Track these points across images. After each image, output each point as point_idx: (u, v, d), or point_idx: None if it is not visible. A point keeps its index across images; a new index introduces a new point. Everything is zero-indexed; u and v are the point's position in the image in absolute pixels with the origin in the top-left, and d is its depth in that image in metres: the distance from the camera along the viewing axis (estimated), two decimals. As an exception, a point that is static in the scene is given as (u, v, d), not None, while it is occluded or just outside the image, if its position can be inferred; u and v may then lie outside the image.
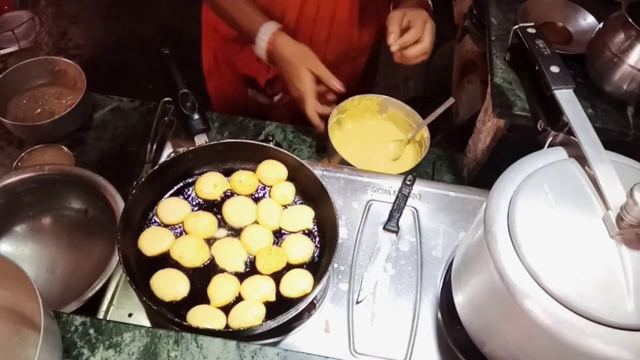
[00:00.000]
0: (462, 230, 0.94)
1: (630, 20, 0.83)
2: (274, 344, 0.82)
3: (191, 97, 0.92)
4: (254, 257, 0.84)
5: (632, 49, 0.85)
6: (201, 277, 0.82)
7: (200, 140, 0.90)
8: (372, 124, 1.15)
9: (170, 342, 0.68)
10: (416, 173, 0.98)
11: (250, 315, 0.77)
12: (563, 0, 1.05)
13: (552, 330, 0.58)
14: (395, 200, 0.94)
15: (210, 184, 0.90)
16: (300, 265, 0.84)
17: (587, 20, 1.03)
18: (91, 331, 0.68)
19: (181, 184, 0.92)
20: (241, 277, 0.82)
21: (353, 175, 0.99)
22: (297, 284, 0.80)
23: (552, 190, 0.65)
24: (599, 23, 0.93)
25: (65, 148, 1.11)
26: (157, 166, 0.87)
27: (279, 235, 0.87)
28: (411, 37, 1.06)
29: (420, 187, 0.98)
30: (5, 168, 1.11)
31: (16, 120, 1.14)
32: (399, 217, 0.93)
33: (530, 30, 0.86)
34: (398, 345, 0.82)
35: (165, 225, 0.87)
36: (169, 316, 0.76)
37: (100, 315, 0.84)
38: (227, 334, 0.74)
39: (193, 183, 0.91)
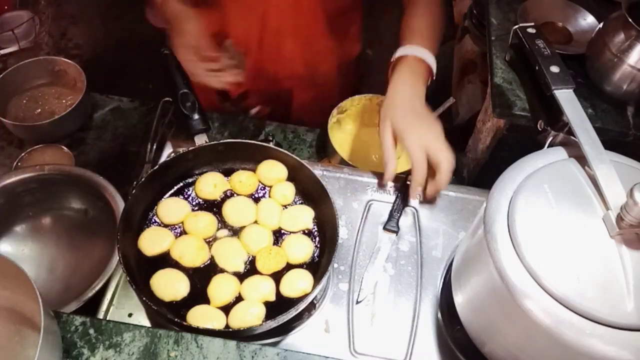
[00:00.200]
0: (462, 230, 0.94)
1: (630, 20, 0.83)
2: (274, 344, 0.82)
3: (191, 97, 0.92)
4: (254, 257, 0.84)
5: (632, 49, 0.85)
6: (201, 277, 0.82)
7: (200, 140, 0.90)
8: (372, 124, 1.15)
9: (170, 342, 0.68)
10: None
11: (250, 315, 0.77)
12: (563, 0, 1.05)
13: (552, 330, 0.58)
14: (395, 200, 0.94)
15: (210, 184, 0.90)
16: (300, 265, 0.84)
17: (587, 20, 1.03)
18: (91, 331, 0.68)
19: (181, 184, 0.92)
20: (241, 277, 0.82)
21: (353, 175, 0.99)
22: (297, 284, 0.80)
23: (552, 190, 0.65)
24: (599, 23, 0.93)
25: (65, 148, 1.11)
26: (157, 166, 0.87)
27: (279, 235, 0.87)
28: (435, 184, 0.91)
29: (420, 187, 0.98)
30: (5, 168, 1.11)
31: (16, 120, 1.14)
32: (399, 217, 0.93)
33: (530, 30, 0.86)
34: (398, 345, 0.82)
35: (165, 225, 0.87)
36: (169, 316, 0.76)
37: (100, 315, 0.84)
38: (227, 334, 0.74)
39: (193, 183, 0.91)
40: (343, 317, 0.84)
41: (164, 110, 1.14)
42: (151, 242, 0.83)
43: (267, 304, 0.79)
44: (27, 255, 0.99)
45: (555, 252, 0.61)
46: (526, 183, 0.66)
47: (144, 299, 0.74)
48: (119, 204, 0.96)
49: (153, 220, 0.87)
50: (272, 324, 0.74)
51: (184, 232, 0.86)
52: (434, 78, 1.00)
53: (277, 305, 0.79)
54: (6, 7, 1.40)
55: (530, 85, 0.90)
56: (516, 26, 0.89)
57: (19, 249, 0.99)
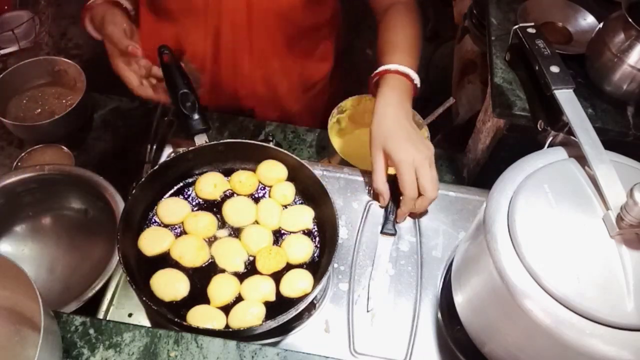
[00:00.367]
0: (462, 230, 0.94)
1: (630, 20, 0.83)
2: (274, 344, 0.82)
3: (191, 97, 0.92)
4: (254, 257, 0.84)
5: (632, 49, 0.85)
6: (201, 277, 0.82)
7: (200, 140, 0.90)
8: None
9: (170, 342, 0.68)
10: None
11: (250, 315, 0.77)
12: (563, 0, 1.05)
13: (552, 330, 0.58)
14: (387, 203, 0.94)
15: (210, 184, 0.90)
16: (300, 265, 0.84)
17: (587, 20, 1.03)
18: (91, 331, 0.68)
19: (181, 184, 0.92)
20: (241, 277, 0.82)
21: (353, 175, 0.99)
22: (297, 284, 0.80)
23: (552, 190, 0.65)
24: (599, 23, 0.93)
25: (65, 148, 1.11)
26: (157, 166, 0.87)
27: (279, 235, 0.87)
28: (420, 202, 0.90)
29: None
30: (5, 168, 1.11)
31: (16, 120, 1.14)
32: (394, 219, 0.92)
33: (530, 30, 0.86)
34: (398, 345, 0.82)
35: (165, 225, 0.87)
36: (169, 316, 0.76)
37: (100, 315, 0.84)
38: (227, 334, 0.74)
39: (193, 183, 0.91)
40: (343, 317, 0.84)
41: (164, 110, 1.14)
42: (151, 242, 0.83)
43: (267, 304, 0.79)
44: (27, 255, 0.99)
45: (555, 252, 0.61)
46: (526, 183, 0.66)
47: (144, 299, 0.74)
48: (119, 204, 0.96)
49: (153, 220, 0.87)
50: (272, 324, 0.74)
51: (184, 232, 0.86)
52: (417, 94, 0.99)
53: (277, 305, 0.79)
54: (6, 7, 1.40)
55: (530, 85, 0.90)
56: (516, 26, 0.89)
57: (19, 249, 0.99)
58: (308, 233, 0.87)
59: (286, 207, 0.90)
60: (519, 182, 0.67)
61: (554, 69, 0.78)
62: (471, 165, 1.16)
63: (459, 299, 0.76)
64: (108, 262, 0.90)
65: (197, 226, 0.85)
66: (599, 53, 0.90)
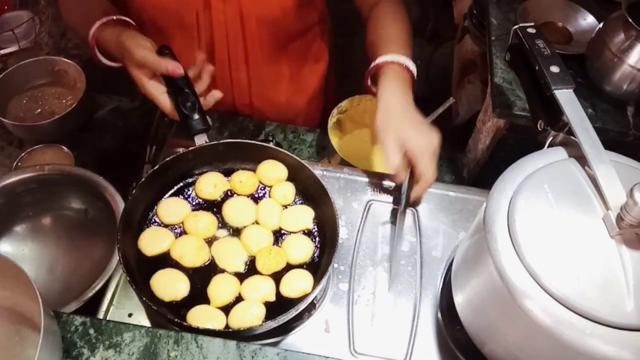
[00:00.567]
0: (462, 230, 0.94)
1: (630, 20, 0.83)
2: (274, 344, 0.82)
3: (191, 97, 0.92)
4: (254, 258, 0.84)
5: (632, 49, 0.85)
6: (201, 277, 0.82)
7: (200, 140, 0.90)
8: (372, 124, 1.15)
9: (170, 342, 0.68)
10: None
11: (250, 315, 0.77)
12: (563, 0, 1.05)
13: (552, 330, 0.58)
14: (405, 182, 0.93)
15: (210, 184, 0.90)
16: (300, 266, 0.84)
17: (587, 20, 1.03)
18: (91, 331, 0.68)
19: (181, 184, 0.92)
20: (241, 277, 0.82)
21: (353, 175, 0.99)
22: (297, 284, 0.80)
23: (552, 190, 0.65)
24: (599, 23, 0.93)
25: (65, 148, 1.11)
26: (157, 166, 0.87)
27: (279, 235, 0.87)
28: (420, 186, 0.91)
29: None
30: (5, 168, 1.11)
31: (16, 120, 1.14)
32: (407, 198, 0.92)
33: (530, 30, 0.86)
34: (398, 345, 0.82)
35: (165, 225, 0.87)
36: (169, 316, 0.76)
37: (100, 315, 0.84)
38: (227, 334, 0.74)
39: (193, 183, 0.91)
40: (343, 317, 0.84)
41: (164, 110, 1.14)
42: (151, 242, 0.83)
43: (267, 304, 0.79)
44: (27, 255, 0.98)
45: (555, 252, 0.61)
46: (526, 183, 0.66)
47: (144, 299, 0.74)
48: (119, 204, 0.96)
49: (153, 220, 0.87)
50: (272, 324, 0.74)
51: (184, 232, 0.86)
52: (415, 87, 0.99)
53: (277, 306, 0.79)
54: (6, 7, 1.40)
55: (530, 85, 0.90)
56: (516, 26, 0.89)
57: (19, 249, 0.99)
58: (308, 233, 0.87)
59: (286, 207, 0.90)
60: (519, 182, 0.67)
61: (554, 69, 0.78)
62: (471, 165, 1.16)
63: (459, 299, 0.76)
64: (108, 262, 0.90)
65: (197, 226, 0.85)
66: (599, 53, 0.90)
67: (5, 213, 0.99)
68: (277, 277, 0.82)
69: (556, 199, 0.64)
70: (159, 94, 0.92)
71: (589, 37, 0.95)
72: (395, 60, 0.97)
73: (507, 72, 0.96)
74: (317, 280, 0.80)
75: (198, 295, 0.80)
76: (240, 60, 1.16)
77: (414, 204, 0.96)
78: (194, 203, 0.90)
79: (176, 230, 0.86)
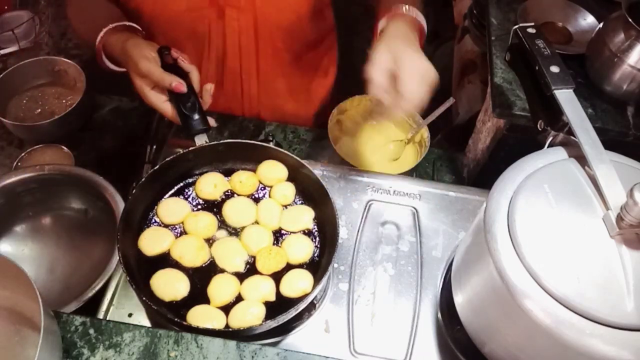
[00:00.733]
0: (462, 230, 0.94)
1: (630, 20, 0.83)
2: (274, 344, 0.82)
3: (191, 97, 0.92)
4: (254, 257, 0.84)
5: (632, 49, 0.85)
6: (201, 277, 0.82)
7: (201, 140, 0.90)
8: (372, 124, 1.15)
9: (170, 342, 0.68)
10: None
11: (250, 315, 0.77)
12: (563, 0, 1.05)
13: (552, 330, 0.58)
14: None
15: (210, 184, 0.90)
16: (300, 266, 0.84)
17: (587, 20, 1.03)
18: (91, 331, 0.68)
19: (181, 184, 0.92)
20: (241, 277, 0.82)
21: (353, 175, 0.99)
22: (297, 284, 0.80)
23: (552, 190, 0.65)
24: (599, 23, 0.93)
25: (65, 148, 1.11)
26: (157, 166, 0.87)
27: (279, 235, 0.87)
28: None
29: (420, 187, 0.98)
30: (5, 168, 1.11)
31: (16, 120, 1.14)
32: None
33: (530, 30, 0.86)
34: (398, 345, 0.82)
35: (166, 226, 0.87)
36: (169, 316, 0.76)
37: (100, 315, 0.84)
38: (227, 333, 0.74)
39: (193, 183, 0.91)
40: (343, 317, 0.84)
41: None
42: (151, 242, 0.83)
43: (267, 304, 0.79)
44: (27, 255, 0.98)
45: (555, 252, 0.61)
46: (526, 183, 0.66)
47: (143, 298, 0.74)
48: (119, 204, 0.96)
49: (153, 220, 0.87)
50: (272, 323, 0.74)
51: (184, 232, 0.86)
52: (423, 44, 0.94)
53: (277, 305, 0.79)
54: (6, 7, 1.40)
55: (530, 85, 0.90)
56: (516, 26, 0.89)
57: (19, 249, 0.99)
58: (308, 233, 0.87)
59: (286, 207, 0.90)
60: (519, 182, 0.67)
61: (554, 69, 0.78)
62: (471, 165, 1.16)
63: (459, 299, 0.76)
64: (108, 262, 0.90)
65: (197, 226, 0.85)
66: (599, 53, 0.90)
67: (5, 213, 0.99)
68: (277, 277, 0.82)
69: (556, 199, 0.64)
70: (161, 102, 0.92)
71: (589, 37, 0.95)
72: (401, 12, 0.92)
73: (507, 72, 0.96)
74: (317, 280, 0.80)
75: (198, 295, 0.80)
76: (251, 71, 1.16)
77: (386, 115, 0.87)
78: (194, 203, 0.90)
79: (176, 231, 0.86)
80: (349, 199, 0.96)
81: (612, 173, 0.63)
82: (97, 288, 0.87)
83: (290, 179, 0.92)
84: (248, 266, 0.83)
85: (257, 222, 0.87)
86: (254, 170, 0.92)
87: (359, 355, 0.81)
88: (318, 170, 0.97)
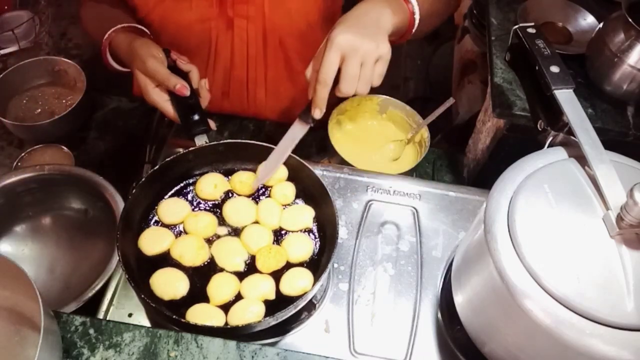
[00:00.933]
0: (462, 230, 0.94)
1: (630, 20, 0.83)
2: (274, 344, 0.82)
3: (192, 98, 0.92)
4: (254, 257, 0.84)
5: (632, 49, 0.85)
6: (201, 276, 0.82)
7: (201, 140, 0.90)
8: (372, 124, 1.15)
9: (170, 342, 0.68)
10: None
11: (250, 313, 0.77)
12: (563, 0, 1.05)
13: (552, 330, 0.58)
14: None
15: (210, 185, 0.90)
16: (300, 264, 0.84)
17: (587, 20, 1.03)
18: (91, 331, 0.68)
19: (181, 185, 0.92)
20: (241, 276, 0.82)
21: (353, 175, 0.99)
22: (297, 282, 0.80)
23: (552, 190, 0.65)
24: (599, 23, 0.93)
25: (65, 148, 1.11)
26: (157, 166, 0.87)
27: (279, 234, 0.87)
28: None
29: (420, 187, 0.98)
30: (5, 168, 1.11)
31: (16, 120, 1.14)
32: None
33: (530, 30, 0.86)
34: (398, 345, 0.82)
35: (166, 225, 0.87)
36: (168, 313, 0.76)
37: (100, 315, 0.84)
38: (227, 331, 0.74)
39: (193, 183, 0.91)
40: (343, 317, 0.84)
41: (164, 110, 1.14)
42: (151, 241, 0.83)
43: (267, 303, 0.79)
44: (27, 255, 0.98)
45: (555, 252, 0.61)
46: (526, 183, 0.66)
47: (143, 297, 0.74)
48: (119, 204, 0.96)
49: (153, 220, 0.87)
50: (272, 321, 0.74)
51: (184, 232, 0.86)
52: (411, 34, 0.92)
53: (277, 304, 0.79)
54: (6, 7, 1.40)
55: (530, 85, 0.90)
56: (516, 26, 0.89)
57: (19, 249, 0.99)
58: (308, 232, 0.87)
59: (286, 207, 0.90)
60: (519, 182, 0.67)
61: (554, 69, 0.78)
62: (471, 165, 1.16)
63: (459, 299, 0.76)
64: (108, 262, 0.90)
65: (197, 226, 0.85)
66: (599, 53, 0.90)
67: (5, 213, 0.99)
68: (276, 275, 0.82)
69: (556, 199, 0.64)
70: (162, 101, 0.93)
71: (589, 37, 0.95)
72: None
73: (507, 72, 0.96)
74: (317, 278, 0.80)
75: (198, 294, 0.80)
76: (259, 80, 1.16)
77: (314, 109, 0.87)
78: (194, 203, 0.90)
79: (176, 230, 0.86)
80: (349, 199, 0.96)
81: (612, 173, 0.63)
82: (97, 288, 0.87)
83: (290, 178, 0.92)
84: (248, 265, 0.83)
85: (257, 222, 0.87)
86: (254, 170, 0.92)
87: (359, 355, 0.81)
88: (318, 170, 0.97)
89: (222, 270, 0.82)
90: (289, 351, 0.68)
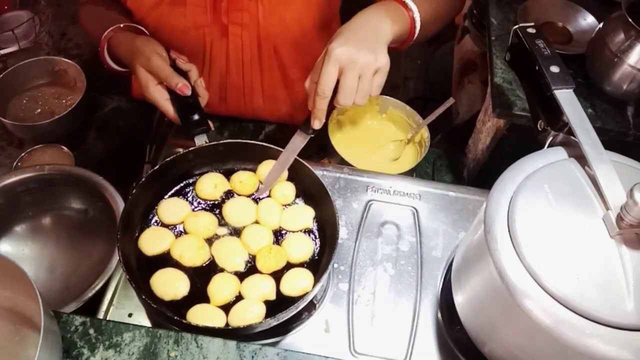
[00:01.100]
0: (462, 230, 0.94)
1: (630, 20, 0.83)
2: (274, 344, 0.82)
3: (192, 98, 0.92)
4: (254, 257, 0.84)
5: (632, 49, 0.85)
6: (201, 277, 0.82)
7: (201, 140, 0.90)
8: (372, 124, 1.15)
9: (170, 342, 0.68)
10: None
11: (250, 313, 0.77)
12: (563, 0, 1.05)
13: (552, 330, 0.58)
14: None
15: (210, 185, 0.90)
16: (300, 264, 0.84)
17: (587, 20, 1.03)
18: (91, 331, 0.68)
19: (181, 184, 0.91)
20: (241, 276, 0.82)
21: (353, 175, 0.99)
22: (298, 282, 0.80)
23: (552, 190, 0.65)
24: (599, 23, 0.93)
25: (65, 148, 1.11)
26: (157, 166, 0.87)
27: (279, 234, 0.87)
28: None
29: (420, 187, 0.98)
30: (5, 168, 1.11)
31: (16, 120, 1.14)
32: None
33: (530, 30, 0.86)
34: (398, 345, 0.82)
35: (166, 225, 0.87)
36: (169, 314, 0.76)
37: (100, 315, 0.84)
38: (228, 332, 0.74)
39: (193, 183, 0.91)
40: (343, 317, 0.84)
41: (164, 110, 1.14)
42: (151, 241, 0.83)
43: (268, 303, 0.79)
44: (27, 255, 0.99)
45: (555, 252, 0.61)
46: (526, 183, 0.66)
47: (143, 297, 0.74)
48: (119, 204, 0.96)
49: (153, 220, 0.87)
50: (272, 321, 0.74)
51: (184, 232, 0.86)
52: (413, 38, 0.92)
53: (278, 304, 0.79)
54: (6, 7, 1.40)
55: (530, 85, 0.90)
56: (516, 26, 0.89)
57: (19, 249, 0.99)
58: (308, 232, 0.87)
59: (286, 207, 0.90)
60: (519, 182, 0.67)
61: (554, 69, 0.78)
62: (471, 165, 1.16)
63: (459, 299, 0.76)
64: (108, 262, 0.90)
65: (198, 226, 0.85)
66: (599, 53, 0.90)
67: (5, 213, 0.99)
68: (277, 276, 0.82)
69: (556, 199, 0.64)
70: (163, 99, 0.93)
71: (589, 37, 0.95)
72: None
73: (507, 72, 0.96)
74: (317, 278, 0.80)
75: (198, 294, 0.80)
76: (256, 86, 1.16)
77: (313, 121, 0.88)
78: (194, 203, 0.90)
79: (176, 230, 0.86)
80: (349, 199, 0.96)
81: (612, 173, 0.63)
82: (97, 288, 0.87)
83: (290, 178, 0.92)
84: (248, 265, 0.83)
85: (257, 222, 0.87)
86: (254, 170, 0.92)
87: (359, 355, 0.81)
88: (318, 170, 0.97)
89: (222, 270, 0.82)
90: (289, 351, 0.68)
